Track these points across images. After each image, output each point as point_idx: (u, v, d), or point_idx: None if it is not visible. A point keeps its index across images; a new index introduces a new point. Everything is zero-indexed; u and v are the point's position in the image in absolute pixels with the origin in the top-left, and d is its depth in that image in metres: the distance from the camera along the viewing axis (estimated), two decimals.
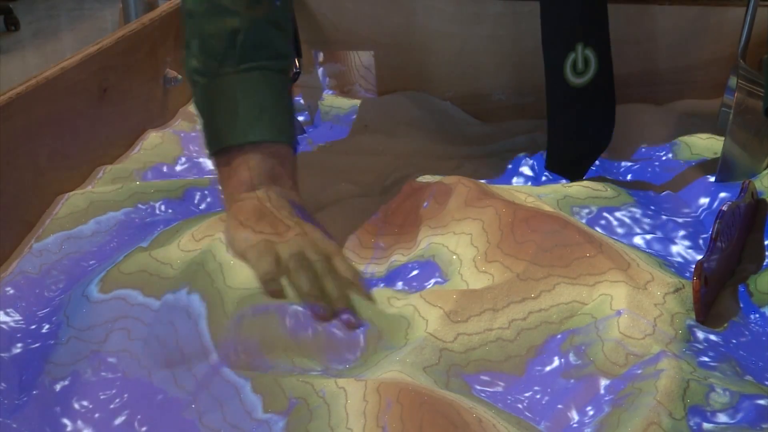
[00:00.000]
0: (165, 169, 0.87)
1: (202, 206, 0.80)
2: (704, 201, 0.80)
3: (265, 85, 0.69)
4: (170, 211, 0.78)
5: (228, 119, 0.68)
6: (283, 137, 0.69)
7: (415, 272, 0.68)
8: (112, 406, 0.55)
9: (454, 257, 0.68)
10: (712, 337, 0.60)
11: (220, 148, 0.68)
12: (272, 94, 0.69)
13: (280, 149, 0.69)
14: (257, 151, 0.67)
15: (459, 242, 0.69)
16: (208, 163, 0.92)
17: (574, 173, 0.84)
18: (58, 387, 0.57)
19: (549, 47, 0.81)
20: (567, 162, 0.84)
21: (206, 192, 0.82)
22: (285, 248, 0.61)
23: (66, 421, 0.54)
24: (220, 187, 0.69)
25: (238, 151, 0.67)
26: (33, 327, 0.63)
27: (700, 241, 0.74)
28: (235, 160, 0.67)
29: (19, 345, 0.61)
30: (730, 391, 0.53)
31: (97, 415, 0.55)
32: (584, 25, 0.81)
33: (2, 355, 0.60)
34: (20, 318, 0.64)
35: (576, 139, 0.84)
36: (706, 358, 0.57)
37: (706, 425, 0.51)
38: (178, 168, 0.89)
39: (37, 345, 0.62)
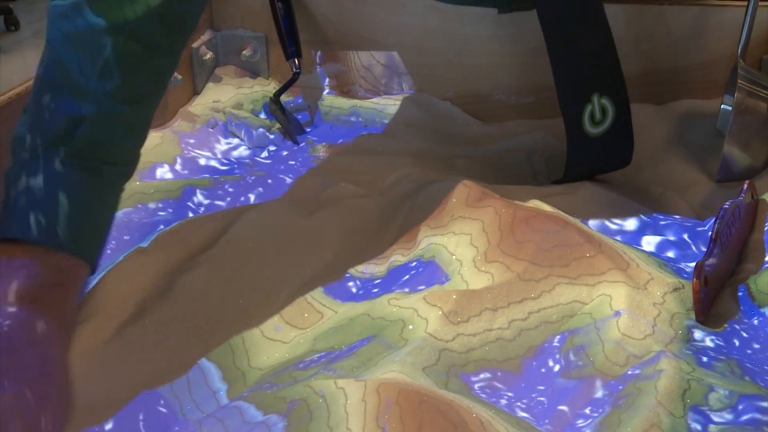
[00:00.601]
0: (165, 168, 0.87)
1: (202, 209, 0.80)
2: (704, 201, 0.80)
3: (89, 189, 0.56)
4: (170, 211, 0.78)
5: (31, 209, 0.54)
6: (84, 254, 0.56)
7: (414, 272, 0.68)
8: (110, 410, 0.55)
9: (454, 257, 0.68)
10: (712, 337, 0.60)
11: (8, 236, 0.54)
12: (95, 201, 0.57)
13: (76, 267, 0.56)
14: (48, 260, 0.54)
15: (459, 242, 0.69)
16: (208, 164, 0.92)
17: None
18: None
19: (566, 100, 0.80)
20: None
21: (206, 192, 0.82)
22: None
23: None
24: None
25: (25, 250, 0.54)
26: None
27: (700, 241, 0.74)
28: (18, 259, 0.53)
29: None
30: (730, 391, 0.53)
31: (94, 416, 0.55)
32: (597, 75, 0.80)
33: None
34: None
35: (594, 176, 0.85)
36: (706, 358, 0.57)
37: (705, 425, 0.50)
38: (178, 168, 0.89)
39: None
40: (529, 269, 0.64)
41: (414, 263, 0.70)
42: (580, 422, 0.53)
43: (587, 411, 0.54)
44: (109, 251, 0.72)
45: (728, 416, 0.51)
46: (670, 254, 0.72)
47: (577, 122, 0.80)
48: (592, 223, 0.76)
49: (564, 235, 0.67)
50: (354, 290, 0.68)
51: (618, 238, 0.74)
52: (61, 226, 0.55)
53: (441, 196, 0.75)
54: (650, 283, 0.63)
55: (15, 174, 0.56)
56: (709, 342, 0.60)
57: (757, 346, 0.60)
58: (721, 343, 0.60)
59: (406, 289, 0.66)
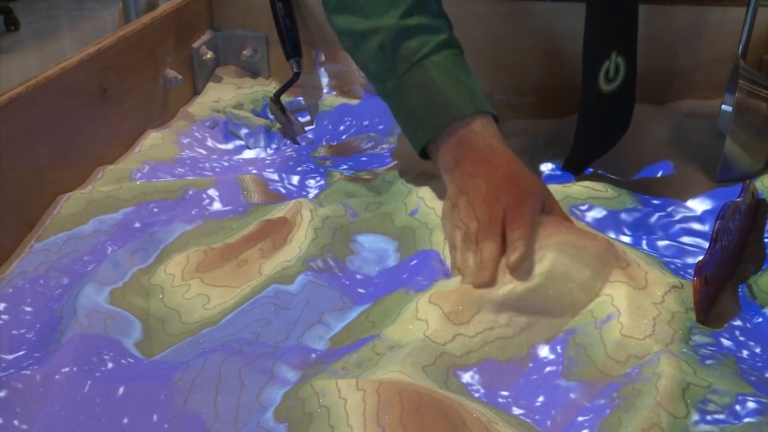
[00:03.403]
0: (165, 169, 0.87)
1: (195, 210, 0.80)
2: (704, 201, 0.80)
3: (425, 77, 0.73)
4: (170, 211, 0.78)
5: (413, 124, 0.75)
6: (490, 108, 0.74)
7: (414, 271, 0.68)
8: (109, 402, 0.55)
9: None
10: (713, 337, 0.60)
11: (420, 151, 0.75)
12: (437, 78, 0.73)
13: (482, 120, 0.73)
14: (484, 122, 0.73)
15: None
16: (208, 164, 0.92)
17: (577, 169, 0.86)
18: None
19: (590, 54, 0.80)
20: (580, 162, 0.85)
21: (206, 192, 0.81)
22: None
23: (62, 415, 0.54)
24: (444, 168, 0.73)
25: (434, 145, 0.74)
26: (32, 327, 0.63)
27: (701, 241, 0.74)
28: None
29: (19, 345, 0.61)
30: (730, 392, 0.53)
31: (92, 413, 0.55)
32: (621, 33, 0.81)
33: (2, 355, 0.60)
34: (20, 318, 0.64)
35: (595, 141, 0.85)
36: (706, 359, 0.57)
37: (706, 426, 0.50)
38: (178, 168, 0.89)
39: (36, 345, 0.61)
40: None
41: (414, 262, 0.70)
42: (581, 422, 0.53)
43: (588, 411, 0.54)
44: (108, 251, 0.72)
45: (728, 416, 0.51)
46: (671, 254, 0.72)
47: (594, 77, 0.80)
48: (592, 222, 0.76)
49: None
50: (354, 290, 0.68)
51: (618, 237, 0.74)
52: (478, 97, 0.74)
53: (442, 195, 0.75)
54: (650, 283, 0.63)
55: (391, 110, 0.77)
56: (709, 342, 0.60)
57: (758, 346, 0.60)
58: (722, 343, 0.60)
59: (406, 289, 0.66)
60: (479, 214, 0.66)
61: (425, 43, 0.74)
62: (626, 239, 0.74)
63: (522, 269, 0.62)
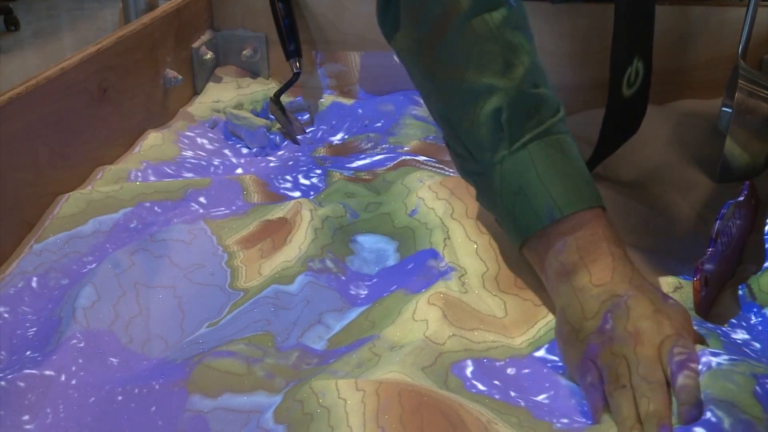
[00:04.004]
0: (165, 169, 0.87)
1: (195, 210, 0.80)
2: (705, 201, 0.80)
3: (544, 156, 0.61)
4: (170, 211, 0.78)
5: (522, 208, 0.61)
6: (599, 201, 0.61)
7: (414, 271, 0.68)
8: (109, 401, 0.55)
9: (458, 262, 0.68)
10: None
11: (522, 242, 0.62)
12: (553, 162, 0.61)
13: (594, 215, 0.60)
14: (565, 229, 0.60)
15: (463, 251, 0.69)
16: (208, 164, 0.92)
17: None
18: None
19: (617, 61, 0.79)
20: (594, 165, 0.85)
21: (206, 192, 0.81)
22: None
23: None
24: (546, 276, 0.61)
25: (544, 239, 0.60)
26: (32, 327, 0.63)
27: (700, 241, 0.74)
28: (542, 245, 0.61)
29: (19, 345, 0.61)
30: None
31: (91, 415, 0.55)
32: (643, 38, 0.81)
33: (2, 355, 0.60)
34: (19, 318, 0.64)
35: (610, 144, 0.84)
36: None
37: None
38: (178, 168, 0.89)
39: (36, 345, 0.61)
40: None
41: (413, 263, 0.70)
42: (582, 423, 0.53)
43: (588, 410, 0.54)
44: (108, 251, 0.72)
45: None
46: (670, 255, 0.72)
47: (619, 83, 0.79)
48: None
49: None
50: (354, 290, 0.68)
51: None
52: (595, 187, 0.62)
53: (442, 195, 0.75)
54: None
55: (487, 197, 0.65)
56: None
57: (758, 345, 0.60)
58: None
59: (406, 289, 0.66)
60: (636, 352, 0.53)
61: (548, 117, 0.63)
62: (625, 239, 0.74)
63: None
